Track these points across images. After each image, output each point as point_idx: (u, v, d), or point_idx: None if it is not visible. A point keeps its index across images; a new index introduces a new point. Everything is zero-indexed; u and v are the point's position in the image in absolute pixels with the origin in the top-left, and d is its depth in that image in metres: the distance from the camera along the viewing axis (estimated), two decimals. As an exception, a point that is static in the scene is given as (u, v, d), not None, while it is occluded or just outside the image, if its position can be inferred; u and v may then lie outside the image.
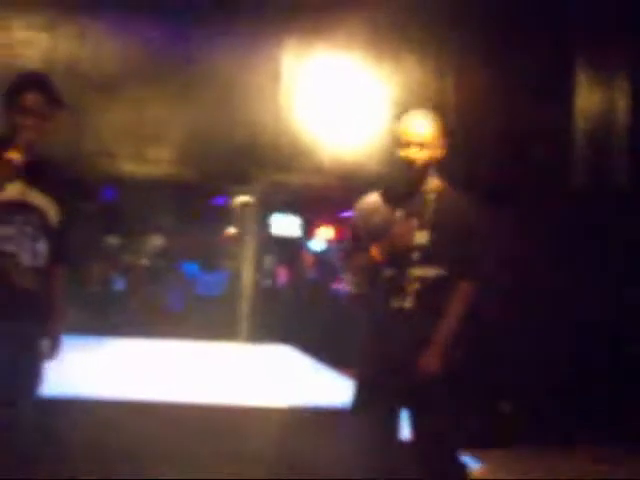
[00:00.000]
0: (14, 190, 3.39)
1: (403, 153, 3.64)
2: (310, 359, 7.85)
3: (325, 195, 8.54)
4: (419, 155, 3.62)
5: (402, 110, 4.01)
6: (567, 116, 6.94)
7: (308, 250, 12.48)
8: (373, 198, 3.78)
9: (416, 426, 3.59)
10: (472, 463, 4.73)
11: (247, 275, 8.40)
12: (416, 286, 3.58)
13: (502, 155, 6.76)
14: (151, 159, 6.95)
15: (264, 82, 6.66)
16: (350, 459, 3.66)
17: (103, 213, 11.67)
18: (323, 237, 12.51)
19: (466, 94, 6.84)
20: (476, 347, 3.83)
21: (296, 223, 12.23)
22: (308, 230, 12.48)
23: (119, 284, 11.63)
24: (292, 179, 6.94)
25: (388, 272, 3.62)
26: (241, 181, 7.35)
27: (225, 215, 10.35)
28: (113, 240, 12.20)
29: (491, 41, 6.79)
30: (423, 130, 3.65)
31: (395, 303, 3.60)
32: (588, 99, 7.01)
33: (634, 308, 6.54)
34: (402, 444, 3.65)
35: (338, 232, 12.29)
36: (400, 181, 3.73)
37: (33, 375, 3.49)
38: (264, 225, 10.42)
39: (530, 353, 6.42)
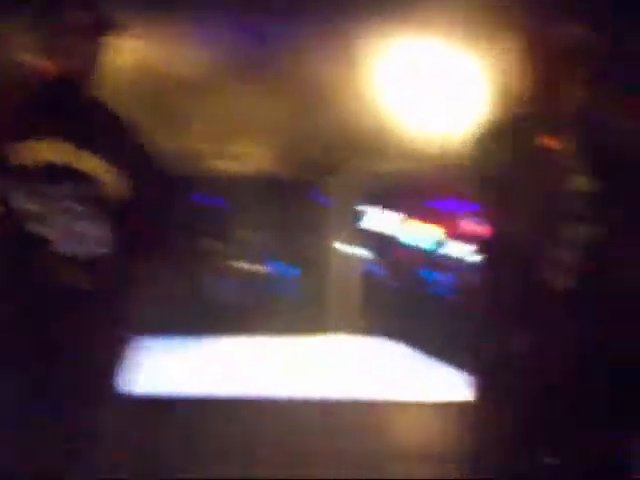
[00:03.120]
0: (54, 151, 2.40)
1: None
2: (414, 352, 7.76)
3: (418, 186, 8.41)
4: None
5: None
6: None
7: (405, 245, 12.32)
8: None
9: None
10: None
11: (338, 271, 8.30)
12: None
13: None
14: (240, 154, 6.98)
15: (344, 72, 6.55)
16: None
17: (198, 215, 11.72)
18: (422, 233, 12.31)
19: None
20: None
21: (391, 218, 12.07)
22: (404, 225, 12.31)
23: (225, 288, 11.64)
24: (383, 167, 6.86)
25: None
26: (332, 172, 7.32)
27: (317, 211, 10.27)
28: (211, 243, 12.22)
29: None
30: None
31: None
32: None
33: None
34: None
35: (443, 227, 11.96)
36: None
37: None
38: (355, 220, 10.36)
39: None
